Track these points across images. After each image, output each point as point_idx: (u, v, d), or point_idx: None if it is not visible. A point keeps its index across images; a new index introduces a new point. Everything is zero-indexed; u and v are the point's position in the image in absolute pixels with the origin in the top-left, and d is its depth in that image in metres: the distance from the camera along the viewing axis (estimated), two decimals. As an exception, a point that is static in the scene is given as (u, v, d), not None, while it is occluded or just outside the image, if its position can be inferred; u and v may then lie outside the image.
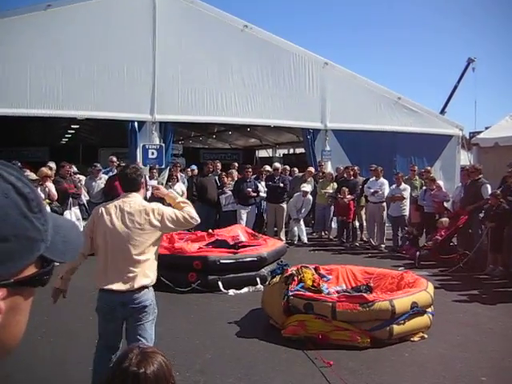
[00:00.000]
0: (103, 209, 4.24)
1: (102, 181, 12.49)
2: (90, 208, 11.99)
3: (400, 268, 9.54)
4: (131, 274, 4.01)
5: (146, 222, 4.05)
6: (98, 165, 12.92)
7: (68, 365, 5.23)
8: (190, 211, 4.16)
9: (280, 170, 13.71)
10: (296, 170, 15.35)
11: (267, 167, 15.35)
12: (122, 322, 4.14)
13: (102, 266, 4.20)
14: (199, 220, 4.26)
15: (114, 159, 13.57)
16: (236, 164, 15.84)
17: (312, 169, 14.76)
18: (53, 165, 11.57)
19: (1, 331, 0.84)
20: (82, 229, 10.82)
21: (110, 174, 12.97)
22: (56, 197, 10.35)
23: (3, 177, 0.84)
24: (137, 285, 4.00)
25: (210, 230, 10.19)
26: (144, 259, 4.06)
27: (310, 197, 13.63)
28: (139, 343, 1.88)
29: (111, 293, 4.05)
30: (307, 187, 13.69)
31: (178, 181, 13.12)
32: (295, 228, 13.64)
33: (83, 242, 1.04)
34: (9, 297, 0.83)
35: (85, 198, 11.90)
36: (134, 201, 4.17)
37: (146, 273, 4.07)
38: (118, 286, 3.98)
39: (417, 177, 13.57)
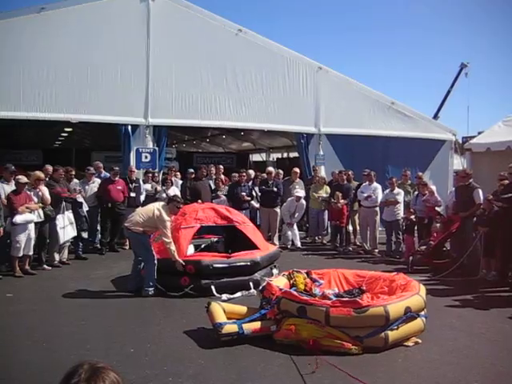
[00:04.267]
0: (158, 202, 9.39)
1: (95, 184, 12.43)
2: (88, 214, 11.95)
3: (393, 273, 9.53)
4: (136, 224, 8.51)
5: (153, 214, 8.43)
6: (92, 168, 12.85)
7: (61, 370, 5.17)
8: (169, 244, 8.37)
9: (273, 175, 13.69)
10: (281, 172, 14.94)
11: (250, 171, 15.44)
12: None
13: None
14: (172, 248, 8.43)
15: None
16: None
17: (297, 169, 14.76)
18: (49, 168, 11.45)
19: None
20: (74, 233, 10.79)
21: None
22: (49, 201, 10.29)
23: None
24: (135, 230, 8.49)
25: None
26: (141, 223, 8.43)
27: (303, 201, 13.64)
28: (89, 359, 1.79)
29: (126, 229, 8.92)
30: (300, 192, 13.70)
31: (172, 185, 13.11)
32: (289, 232, 13.63)
33: None
34: None
35: (85, 208, 11.77)
36: (158, 205, 8.66)
37: (141, 228, 8.46)
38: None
39: (409, 181, 13.61)
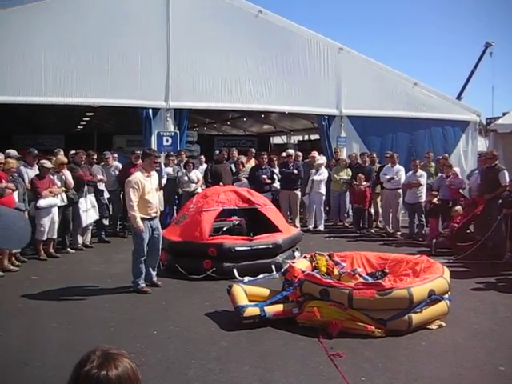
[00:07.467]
0: None
1: (112, 168, 12.49)
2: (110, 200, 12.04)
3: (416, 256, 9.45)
4: None
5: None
6: (108, 153, 12.94)
7: (84, 352, 5.23)
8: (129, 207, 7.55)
9: (293, 157, 13.62)
10: (300, 154, 14.84)
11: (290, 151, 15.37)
12: None
13: None
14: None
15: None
16: (253, 150, 15.71)
17: (315, 153, 14.66)
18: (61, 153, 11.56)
19: None
20: (97, 216, 10.86)
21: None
22: (72, 184, 10.39)
23: None
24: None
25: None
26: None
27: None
28: (102, 345, 1.76)
29: None
30: (321, 159, 14.02)
31: (193, 168, 13.14)
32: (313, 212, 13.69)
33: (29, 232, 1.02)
34: None
35: (106, 195, 11.87)
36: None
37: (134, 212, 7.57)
38: None
39: (432, 163, 13.43)
